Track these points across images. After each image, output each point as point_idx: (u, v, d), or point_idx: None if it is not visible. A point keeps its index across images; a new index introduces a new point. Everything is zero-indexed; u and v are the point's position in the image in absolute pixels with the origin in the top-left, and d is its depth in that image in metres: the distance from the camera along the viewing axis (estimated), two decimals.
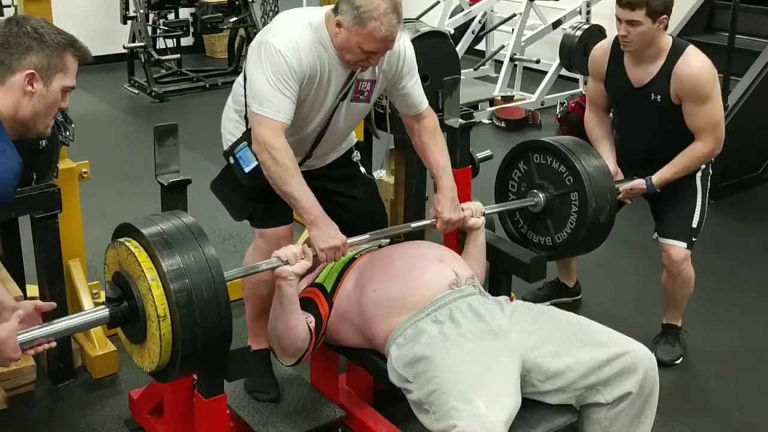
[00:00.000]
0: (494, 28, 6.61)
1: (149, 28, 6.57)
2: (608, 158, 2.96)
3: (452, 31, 6.52)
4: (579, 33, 5.70)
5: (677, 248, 2.89)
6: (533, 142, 2.79)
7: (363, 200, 2.63)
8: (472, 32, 6.67)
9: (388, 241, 2.54)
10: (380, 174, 3.77)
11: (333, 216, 2.39)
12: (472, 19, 6.63)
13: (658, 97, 2.82)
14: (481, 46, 7.09)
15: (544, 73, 6.17)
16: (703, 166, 2.94)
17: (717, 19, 5.22)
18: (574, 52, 5.69)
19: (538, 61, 6.26)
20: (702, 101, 2.77)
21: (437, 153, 2.50)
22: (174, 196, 2.13)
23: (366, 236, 2.36)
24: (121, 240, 1.88)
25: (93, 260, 3.15)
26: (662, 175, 2.88)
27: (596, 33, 5.78)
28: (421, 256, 2.29)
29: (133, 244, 1.84)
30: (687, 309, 3.08)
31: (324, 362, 2.55)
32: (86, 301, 2.88)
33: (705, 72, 2.77)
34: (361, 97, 2.39)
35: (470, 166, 2.86)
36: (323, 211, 2.24)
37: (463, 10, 6.67)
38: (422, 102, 2.50)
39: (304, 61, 2.22)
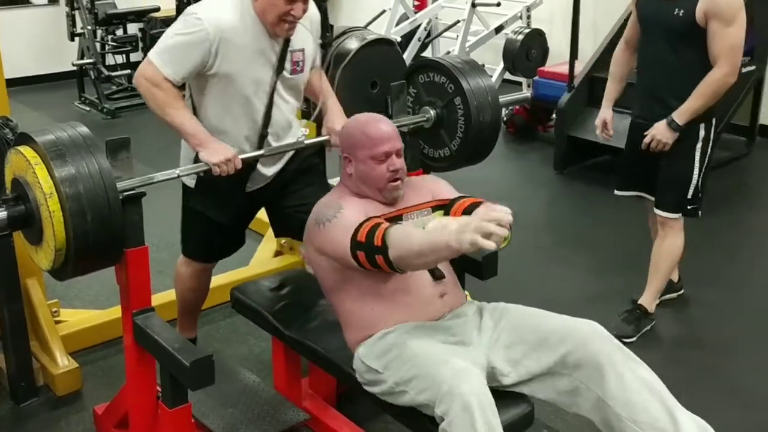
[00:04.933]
0: (439, 34, 6.72)
1: (98, 45, 6.53)
2: (607, 99, 3.20)
3: (399, 39, 6.61)
4: (521, 37, 5.86)
5: (665, 217, 3.10)
6: (412, 63, 2.94)
7: (310, 206, 2.71)
8: (419, 39, 6.77)
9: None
10: (335, 181, 3.84)
11: (294, 226, 2.52)
12: (418, 27, 6.74)
13: (681, 11, 2.88)
14: (427, 53, 7.20)
15: (490, 77, 6.29)
16: (703, 134, 3.01)
17: None
18: (517, 56, 5.84)
19: (482, 66, 6.38)
20: (728, 22, 2.83)
21: (317, 83, 2.65)
22: (129, 209, 2.16)
23: (261, 152, 2.49)
24: (18, 147, 1.98)
25: (50, 278, 3.12)
26: (682, 109, 2.94)
27: (537, 37, 5.96)
28: (427, 294, 2.19)
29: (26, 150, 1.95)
30: None
31: (286, 367, 2.59)
32: (45, 320, 2.88)
33: None
34: (297, 68, 2.49)
35: (421, 169, 2.93)
36: (208, 133, 2.37)
37: (408, 18, 6.78)
38: (318, 56, 2.67)
39: (226, 31, 2.30)
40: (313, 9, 2.54)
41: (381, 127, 2.18)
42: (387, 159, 2.15)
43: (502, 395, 2.02)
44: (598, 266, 3.77)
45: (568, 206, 4.75)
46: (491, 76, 6.07)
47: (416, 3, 7.14)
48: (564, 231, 4.26)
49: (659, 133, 2.99)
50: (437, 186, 2.35)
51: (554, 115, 5.26)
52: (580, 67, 5.20)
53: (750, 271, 3.82)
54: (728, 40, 2.87)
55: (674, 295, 3.47)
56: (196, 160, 2.37)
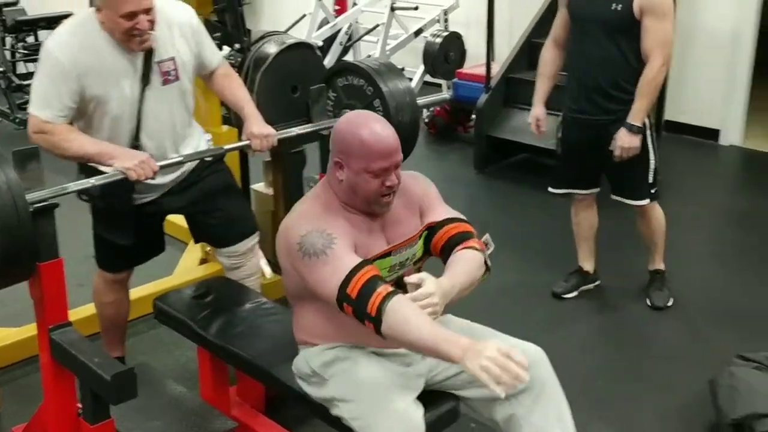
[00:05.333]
0: (359, 38, 6.75)
1: (8, 53, 6.29)
2: (539, 96, 3.28)
3: (321, 44, 6.61)
4: (439, 40, 5.94)
5: (640, 205, 3.30)
6: (331, 67, 2.97)
7: (227, 208, 2.73)
8: (340, 44, 6.78)
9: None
10: (258, 186, 3.81)
11: (205, 232, 2.57)
12: (339, 31, 6.75)
13: (620, 6, 2.99)
14: (349, 57, 7.22)
15: (410, 80, 6.36)
16: (647, 122, 3.15)
17: None
18: (436, 59, 5.92)
19: (402, 69, 6.43)
20: (661, 17, 2.98)
21: (235, 90, 2.65)
22: (41, 221, 2.09)
23: (179, 158, 2.50)
24: None
25: None
26: (635, 109, 3.06)
27: (454, 40, 6.05)
28: None
29: None
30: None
31: (213, 376, 2.56)
32: None
33: None
34: (170, 77, 2.47)
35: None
36: (112, 144, 2.37)
37: (329, 22, 6.78)
38: (215, 59, 2.63)
39: (80, 58, 2.30)
40: (184, 13, 2.52)
41: (382, 139, 1.91)
42: (384, 174, 1.93)
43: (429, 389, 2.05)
44: (521, 262, 3.85)
45: (489, 204, 4.83)
46: (412, 79, 6.15)
47: (336, 7, 7.15)
48: (486, 229, 4.27)
49: (625, 141, 3.09)
50: (427, 197, 2.13)
51: (474, 116, 5.34)
52: (497, 68, 5.30)
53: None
54: (661, 34, 3.00)
55: (591, 286, 3.59)
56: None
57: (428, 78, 6.29)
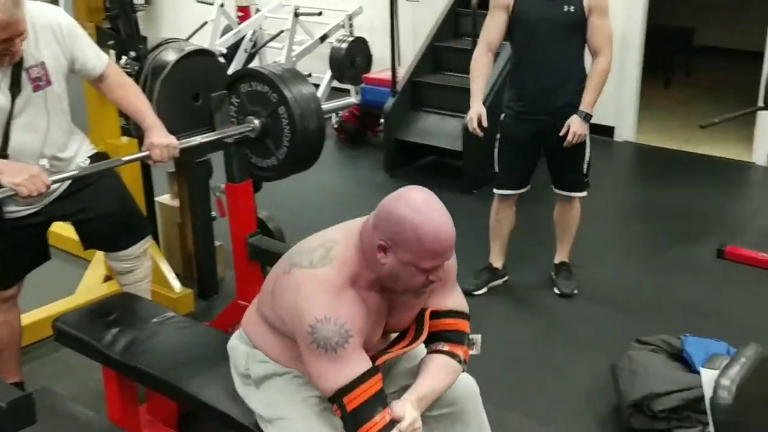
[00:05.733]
0: (264, 45, 6.68)
1: None
2: (478, 96, 3.30)
3: (225, 51, 6.50)
4: (345, 45, 5.93)
5: (575, 197, 3.47)
6: (233, 73, 2.91)
7: (117, 212, 2.66)
8: (245, 50, 6.69)
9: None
10: (164, 198, 3.72)
11: (96, 238, 2.62)
12: (243, 38, 6.66)
13: (572, 8, 3.16)
14: (255, 64, 7.13)
15: (318, 86, 6.34)
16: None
17: (461, 25, 5.59)
18: (343, 64, 5.91)
19: (309, 75, 6.42)
20: (605, 14, 3.20)
21: (132, 99, 2.56)
22: None
23: (74, 172, 2.42)
24: None
25: None
26: (589, 99, 3.24)
27: (360, 44, 6.06)
28: None
29: None
30: None
31: (120, 396, 2.47)
32: None
33: None
34: (40, 83, 2.38)
35: (251, 180, 2.90)
36: (1, 159, 2.27)
37: (232, 29, 6.68)
38: (99, 63, 2.52)
39: None
40: (51, 14, 2.41)
41: (442, 240, 1.70)
42: (432, 271, 1.74)
43: None
44: None
45: None
46: (319, 85, 6.14)
47: (240, 14, 7.05)
48: None
49: (578, 128, 3.25)
50: (444, 278, 1.87)
51: (382, 120, 5.37)
52: (404, 72, 5.34)
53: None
54: (607, 30, 3.23)
55: (500, 281, 3.68)
56: None
57: (336, 84, 6.28)
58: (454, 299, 1.96)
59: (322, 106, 2.92)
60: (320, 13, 6.32)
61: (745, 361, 1.48)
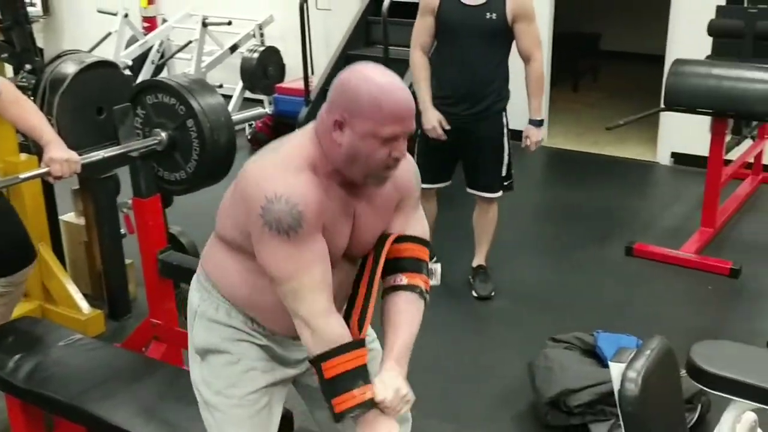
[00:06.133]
0: (171, 56, 6.56)
1: None
2: (428, 101, 3.37)
3: (130, 63, 6.35)
4: (256, 55, 5.88)
5: (492, 197, 3.53)
6: (137, 85, 2.84)
7: (3, 236, 2.58)
8: (152, 62, 6.55)
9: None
10: (68, 217, 3.59)
11: None
12: (150, 49, 6.52)
13: (494, 15, 3.24)
14: (164, 75, 6.99)
15: (230, 97, 6.26)
16: (505, 120, 3.47)
17: (373, 33, 5.65)
18: (254, 74, 5.86)
19: (220, 86, 6.33)
20: (531, 20, 3.31)
21: (27, 116, 2.44)
22: None
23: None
24: None
25: None
26: (535, 106, 3.41)
27: (272, 54, 6.01)
28: None
29: None
30: None
31: (26, 425, 2.37)
32: None
33: None
34: None
35: (160, 195, 2.82)
36: None
37: (138, 40, 6.53)
38: None
39: None
40: None
41: (399, 98, 1.59)
42: (393, 142, 1.61)
43: None
44: None
45: None
46: (231, 96, 6.06)
47: (146, 25, 6.90)
48: None
49: (535, 135, 3.48)
50: (410, 194, 1.82)
51: (296, 130, 5.33)
52: (317, 81, 5.32)
53: None
54: (535, 35, 3.35)
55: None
56: None
57: (249, 94, 6.21)
58: (415, 225, 1.84)
59: (233, 118, 2.87)
60: (230, 23, 6.25)
61: (650, 353, 1.52)
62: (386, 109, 1.57)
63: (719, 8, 4.53)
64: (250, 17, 6.40)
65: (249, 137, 5.84)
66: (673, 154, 5.43)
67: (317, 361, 1.64)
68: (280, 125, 5.75)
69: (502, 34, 3.30)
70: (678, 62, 3.97)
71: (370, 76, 1.60)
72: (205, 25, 6.29)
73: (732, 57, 4.20)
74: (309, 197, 1.59)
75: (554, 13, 5.67)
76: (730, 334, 3.23)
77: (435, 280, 2.00)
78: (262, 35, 6.38)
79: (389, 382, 1.68)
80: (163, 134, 2.70)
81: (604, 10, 8.07)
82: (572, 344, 2.84)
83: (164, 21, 6.82)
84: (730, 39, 4.33)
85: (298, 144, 1.68)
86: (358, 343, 1.67)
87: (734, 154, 4.59)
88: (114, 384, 2.22)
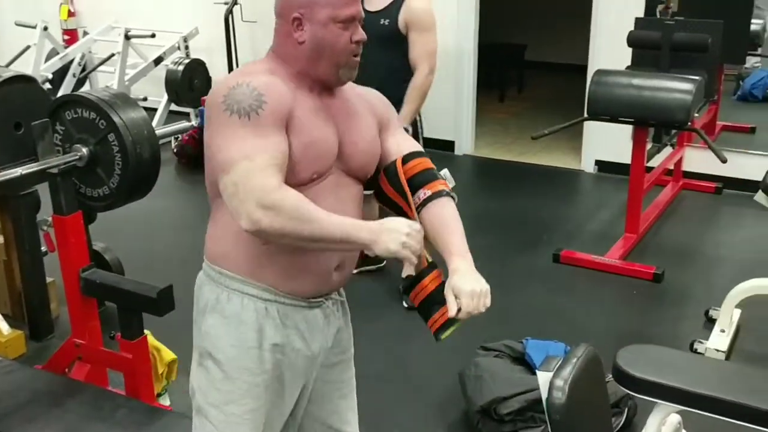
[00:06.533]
0: (93, 69, 6.41)
1: None
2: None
3: (50, 76, 6.18)
4: (181, 68, 5.79)
5: None
6: (55, 100, 2.75)
7: None
8: (74, 75, 6.39)
9: None
10: None
11: None
12: (71, 62, 6.36)
13: (387, 21, 3.36)
14: (86, 89, 6.82)
15: (155, 110, 6.15)
16: (411, 131, 3.39)
17: None
18: (180, 87, 5.77)
19: (145, 99, 6.22)
20: (424, 30, 3.38)
21: None
22: None
23: None
24: None
25: None
26: (403, 112, 3.36)
27: (198, 66, 5.94)
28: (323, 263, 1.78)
29: None
30: None
31: None
32: None
33: (429, 7, 3.42)
34: None
35: (81, 211, 2.74)
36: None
37: (59, 53, 6.36)
38: None
39: None
40: None
41: None
42: (352, 25, 1.70)
43: None
44: None
45: None
46: (156, 110, 5.95)
47: (66, 37, 6.73)
48: None
49: None
50: (389, 112, 1.93)
51: None
52: None
53: None
54: (426, 45, 3.39)
55: (373, 267, 3.86)
56: None
57: (175, 107, 6.11)
58: (408, 143, 1.90)
59: (158, 132, 2.82)
60: (153, 35, 6.14)
61: (576, 361, 1.55)
62: None
63: (638, 20, 4.68)
64: (174, 29, 6.31)
65: (175, 150, 5.74)
66: (597, 162, 5.58)
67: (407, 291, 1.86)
68: None
69: (395, 40, 3.39)
70: (599, 72, 4.07)
71: None
72: (128, 37, 6.17)
73: (650, 67, 4.35)
74: (272, 87, 1.59)
75: (480, 24, 5.76)
76: (654, 338, 3.33)
77: (451, 182, 2.06)
78: (187, 47, 6.30)
79: (470, 283, 1.87)
80: (84, 150, 2.64)
81: (530, 21, 8.26)
82: (502, 352, 2.87)
83: (85, 34, 6.67)
84: (648, 50, 4.48)
85: (253, 62, 1.73)
86: (433, 265, 1.85)
87: (655, 162, 4.73)
88: (36, 407, 2.15)
